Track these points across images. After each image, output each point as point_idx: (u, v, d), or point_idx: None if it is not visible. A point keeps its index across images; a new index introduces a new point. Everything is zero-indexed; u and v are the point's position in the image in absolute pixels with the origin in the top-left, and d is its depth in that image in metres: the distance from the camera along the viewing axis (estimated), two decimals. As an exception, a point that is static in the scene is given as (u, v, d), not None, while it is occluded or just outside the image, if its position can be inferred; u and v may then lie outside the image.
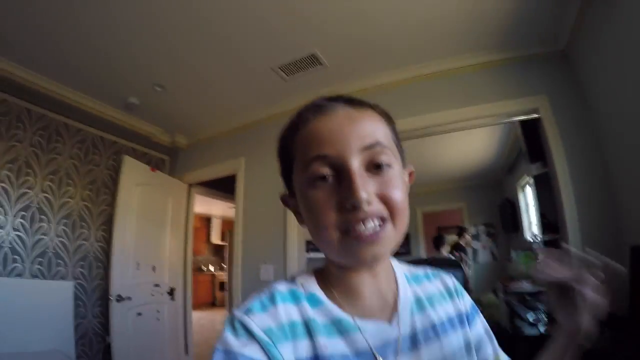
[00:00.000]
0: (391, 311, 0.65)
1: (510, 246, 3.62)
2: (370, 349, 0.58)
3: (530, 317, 2.74)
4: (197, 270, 9.31)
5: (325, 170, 0.57)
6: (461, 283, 1.67)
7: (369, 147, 0.57)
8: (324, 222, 0.56)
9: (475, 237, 3.94)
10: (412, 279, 0.75)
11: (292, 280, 0.67)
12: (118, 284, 3.23)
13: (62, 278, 3.08)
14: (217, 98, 3.45)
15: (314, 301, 0.63)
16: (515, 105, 2.75)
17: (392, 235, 0.58)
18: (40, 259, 2.96)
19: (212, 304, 9.85)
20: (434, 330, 0.65)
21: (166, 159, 4.32)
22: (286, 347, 0.55)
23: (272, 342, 0.54)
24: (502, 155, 3.52)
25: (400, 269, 0.75)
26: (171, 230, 3.95)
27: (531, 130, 2.80)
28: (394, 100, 3.07)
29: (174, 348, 3.82)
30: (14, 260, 2.79)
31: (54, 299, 2.99)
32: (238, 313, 0.57)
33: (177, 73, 3.05)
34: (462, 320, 0.71)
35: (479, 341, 0.72)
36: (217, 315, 8.31)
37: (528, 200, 3.34)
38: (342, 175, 0.56)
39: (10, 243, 2.79)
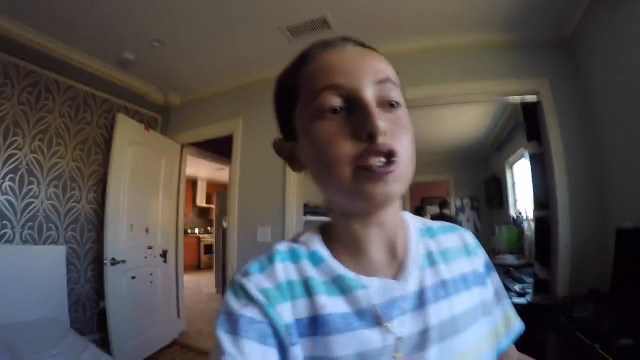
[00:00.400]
0: (399, 267, 0.62)
1: (493, 221, 3.78)
2: (373, 306, 0.57)
3: (517, 287, 2.92)
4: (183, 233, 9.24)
5: (337, 101, 0.54)
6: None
7: (382, 82, 0.56)
8: (336, 154, 0.53)
9: (460, 209, 4.09)
10: (425, 231, 0.72)
11: (295, 239, 0.66)
12: (112, 246, 3.14)
13: (54, 242, 2.99)
14: (217, 55, 3.30)
15: (315, 259, 0.61)
16: (515, 85, 2.83)
17: (404, 172, 0.55)
18: (31, 223, 2.84)
19: (197, 267, 9.74)
20: (444, 288, 0.63)
21: (158, 118, 4.16)
22: (285, 307, 0.54)
23: (270, 302, 0.53)
24: (493, 132, 3.63)
25: (414, 221, 0.72)
26: (163, 191, 3.86)
27: (530, 111, 2.90)
28: (398, 69, 3.08)
29: (167, 311, 3.81)
30: (3, 226, 2.67)
31: (46, 264, 2.89)
32: (237, 276, 0.57)
33: (177, 28, 2.89)
34: (478, 278, 0.69)
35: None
36: (203, 278, 8.16)
37: (515, 177, 3.50)
38: (356, 106, 0.53)
39: (-1, 208, 2.65)
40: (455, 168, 4.03)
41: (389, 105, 0.55)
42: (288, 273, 0.58)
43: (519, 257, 3.24)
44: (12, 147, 2.77)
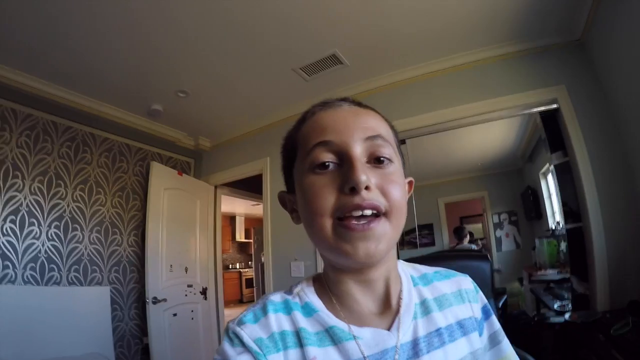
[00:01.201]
0: (392, 317, 0.62)
1: (533, 234, 3.63)
2: (364, 358, 0.56)
3: (556, 305, 2.78)
4: (224, 268, 9.38)
5: (327, 157, 0.57)
6: (489, 273, 1.70)
7: (372, 138, 0.58)
8: (319, 208, 0.55)
9: (498, 225, 3.96)
10: (419, 279, 0.72)
11: (290, 290, 0.67)
12: (153, 286, 3.34)
13: (98, 284, 3.19)
14: (240, 101, 3.49)
15: (309, 310, 0.61)
16: (533, 97, 2.77)
17: (388, 232, 0.56)
18: (76, 266, 3.06)
19: (240, 300, 9.92)
20: (439, 336, 0.62)
21: (191, 162, 4.40)
22: (277, 357, 0.55)
23: (263, 352, 0.54)
24: (522, 144, 3.53)
25: (407, 270, 0.72)
26: (200, 231, 4.05)
27: (551, 120, 2.82)
28: (413, 96, 3.14)
29: (209, 346, 3.91)
30: (51, 269, 2.90)
31: (92, 304, 3.09)
32: (232, 324, 0.58)
33: (199, 79, 3.09)
34: (474, 324, 0.68)
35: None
36: (245, 312, 8.38)
37: (550, 188, 3.37)
38: (344, 162, 0.56)
39: (46, 253, 2.89)
40: (488, 183, 3.90)
41: (378, 161, 0.58)
42: (281, 324, 0.59)
43: (561, 272, 3.09)
44: (56, 197, 3.03)
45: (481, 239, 3.84)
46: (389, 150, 0.59)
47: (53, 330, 2.75)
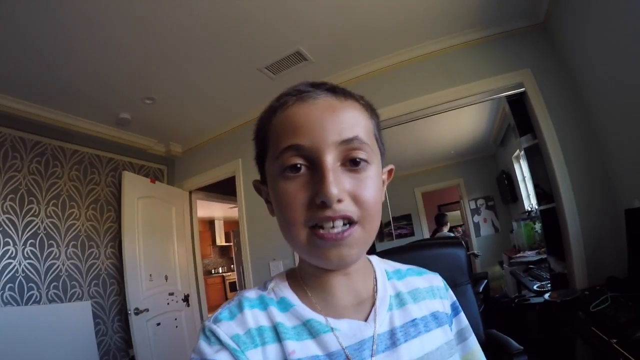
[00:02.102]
0: (368, 309, 0.63)
1: (511, 217, 3.67)
2: (343, 349, 0.57)
3: (535, 286, 2.82)
4: (207, 273, 9.38)
5: (299, 160, 0.55)
6: (464, 259, 1.73)
7: (347, 142, 0.55)
8: (292, 218, 0.55)
9: (475, 211, 4.00)
10: (393, 274, 0.73)
11: (264, 286, 0.67)
12: (134, 297, 3.30)
13: (79, 299, 3.14)
14: (207, 104, 3.47)
15: (284, 305, 0.61)
16: (500, 81, 2.80)
17: (361, 237, 0.56)
18: (55, 283, 3.01)
19: None
20: (415, 326, 0.64)
21: (164, 168, 4.36)
22: (255, 352, 0.54)
23: (240, 348, 0.53)
24: (493, 129, 3.57)
25: (381, 265, 0.74)
26: (178, 238, 4.02)
27: (518, 104, 2.85)
28: (382, 87, 3.14)
29: (195, 352, 3.89)
30: (30, 288, 2.84)
31: (74, 320, 3.05)
32: (208, 322, 0.57)
33: (164, 84, 3.06)
34: (445, 318, 0.70)
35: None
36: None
37: (524, 171, 3.40)
38: (315, 168, 0.54)
39: (24, 272, 2.83)
40: (463, 170, 3.93)
41: (354, 163, 0.56)
42: (258, 320, 0.58)
43: (539, 253, 3.13)
44: (29, 214, 2.97)
45: (460, 226, 3.87)
46: (365, 152, 0.57)
47: (37, 349, 2.71)
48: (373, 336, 0.59)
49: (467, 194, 3.94)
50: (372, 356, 0.57)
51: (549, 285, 2.75)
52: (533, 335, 2.64)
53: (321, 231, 0.54)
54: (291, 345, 0.56)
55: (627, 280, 2.05)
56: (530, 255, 3.17)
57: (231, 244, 9.66)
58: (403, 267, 0.77)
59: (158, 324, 3.47)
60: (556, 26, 2.60)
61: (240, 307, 0.60)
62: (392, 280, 0.71)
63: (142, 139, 3.99)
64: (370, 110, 0.65)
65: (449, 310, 0.73)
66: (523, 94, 2.75)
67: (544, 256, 3.00)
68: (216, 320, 0.57)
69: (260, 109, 0.66)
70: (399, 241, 3.64)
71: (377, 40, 2.89)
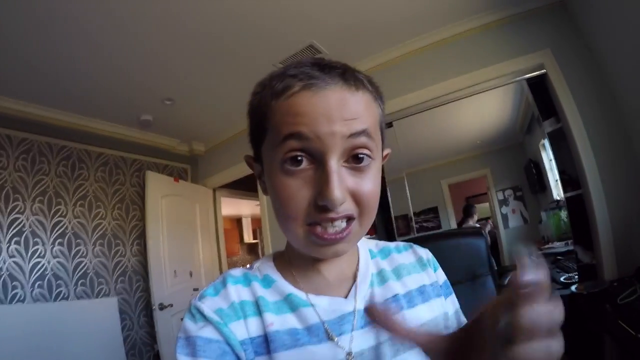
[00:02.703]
0: (349, 286, 0.64)
1: (539, 207, 3.50)
2: (322, 322, 0.58)
3: (562, 277, 2.68)
4: None
5: (300, 153, 0.52)
6: (484, 249, 1.65)
7: (354, 135, 0.52)
8: (292, 214, 0.54)
9: (503, 202, 3.85)
10: (378, 253, 0.75)
11: (250, 266, 0.69)
12: (158, 293, 3.40)
13: (106, 295, 3.26)
14: (226, 102, 3.49)
15: (267, 281, 0.63)
16: (520, 64, 2.67)
17: (357, 232, 0.57)
18: (83, 280, 3.14)
19: None
20: (396, 302, 0.64)
21: (187, 167, 4.45)
22: (239, 325, 0.56)
23: (223, 321, 0.55)
24: (518, 116, 3.41)
25: (365, 244, 0.74)
26: (202, 235, 4.09)
27: (539, 87, 2.71)
28: (399, 76, 3.07)
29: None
30: (58, 285, 2.98)
31: (101, 315, 3.17)
32: (194, 300, 0.59)
33: (183, 85, 3.13)
34: (438, 290, 0.71)
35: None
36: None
37: (551, 158, 3.25)
38: (318, 164, 0.52)
39: (52, 270, 2.97)
40: (490, 160, 3.77)
41: (357, 159, 0.54)
42: (240, 294, 0.60)
43: (569, 244, 2.98)
44: (58, 215, 3.11)
45: (488, 218, 3.73)
46: (370, 148, 0.55)
47: (65, 344, 2.84)
48: (353, 311, 0.60)
49: (495, 185, 3.79)
50: (352, 330, 0.58)
51: (577, 276, 2.61)
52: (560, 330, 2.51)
53: (319, 230, 0.54)
54: (269, 317, 0.57)
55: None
56: (558, 247, 3.01)
57: (258, 241, 9.72)
58: (391, 244, 0.78)
59: (182, 319, 3.51)
60: (576, 3, 2.45)
61: (224, 283, 0.61)
62: (375, 259, 0.72)
63: (165, 139, 4.10)
64: (380, 97, 0.61)
65: (441, 282, 0.73)
66: (544, 75, 2.61)
67: (572, 247, 2.85)
68: (201, 297, 0.59)
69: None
70: (422, 234, 3.54)
71: (391, 29, 2.83)
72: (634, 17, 1.92)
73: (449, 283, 0.76)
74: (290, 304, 0.59)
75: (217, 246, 4.28)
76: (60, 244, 3.08)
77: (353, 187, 0.54)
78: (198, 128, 4.01)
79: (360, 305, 0.62)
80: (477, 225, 3.61)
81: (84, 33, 2.36)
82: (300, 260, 0.65)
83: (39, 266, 2.91)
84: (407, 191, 3.37)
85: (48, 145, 3.18)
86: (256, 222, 10.17)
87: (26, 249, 2.88)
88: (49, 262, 2.96)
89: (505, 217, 3.62)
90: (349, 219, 0.55)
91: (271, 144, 0.55)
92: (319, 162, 0.52)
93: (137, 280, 3.54)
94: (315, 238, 0.54)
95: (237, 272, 0.65)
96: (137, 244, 3.62)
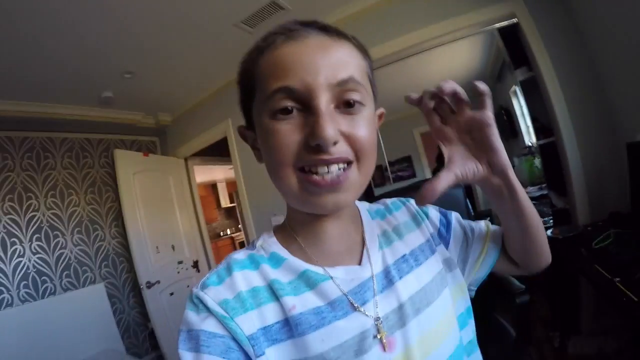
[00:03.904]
0: (360, 252, 0.64)
1: (512, 153, 3.58)
2: (344, 295, 0.57)
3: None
4: (216, 237, 9.44)
5: (290, 102, 0.52)
6: (462, 198, 1.72)
7: (341, 83, 0.52)
8: (283, 159, 0.53)
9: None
10: (375, 213, 0.74)
11: (252, 245, 0.66)
12: (143, 271, 3.37)
13: (92, 283, 3.25)
14: (188, 68, 3.32)
15: (276, 260, 0.61)
16: (491, 13, 2.64)
17: (357, 180, 0.55)
18: (67, 272, 3.11)
19: None
20: (406, 262, 0.64)
21: (155, 140, 4.32)
22: (246, 317, 0.53)
23: (229, 315, 0.52)
24: (488, 64, 3.41)
25: (364, 206, 0.74)
26: (179, 206, 4.03)
27: (511, 36, 2.70)
28: (368, 27, 2.99)
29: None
30: (44, 282, 2.95)
31: (91, 304, 3.18)
32: (195, 289, 0.56)
33: (141, 55, 2.94)
34: (433, 243, 0.70)
35: (463, 240, 0.75)
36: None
37: (522, 105, 3.29)
38: (309, 110, 0.52)
39: (34, 267, 2.92)
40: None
41: (348, 105, 0.54)
42: (250, 280, 0.57)
43: (541, 188, 3.09)
44: (30, 210, 3.02)
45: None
46: (360, 94, 0.55)
47: (60, 339, 2.86)
48: (372, 277, 0.60)
49: (467, 131, 3.83)
50: (373, 297, 0.58)
51: (551, 221, 2.72)
52: (537, 275, 2.66)
53: (315, 177, 0.52)
54: (290, 300, 0.55)
55: (630, 216, 2.00)
56: (532, 191, 3.11)
57: (235, 204, 9.68)
58: (381, 205, 0.78)
59: (171, 294, 3.58)
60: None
61: (229, 270, 0.58)
62: (376, 220, 0.72)
63: (129, 114, 3.89)
64: (363, 50, 0.61)
65: (438, 226, 0.74)
66: (516, 25, 2.58)
67: (546, 192, 2.96)
68: (204, 286, 0.56)
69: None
70: (398, 184, 3.61)
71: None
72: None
73: (443, 210, 0.79)
74: (307, 281, 0.58)
75: (195, 215, 4.23)
76: (38, 239, 3.01)
77: (347, 130, 0.53)
78: (162, 98, 3.82)
79: (377, 269, 0.61)
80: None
81: (29, 17, 2.18)
82: (305, 229, 0.63)
83: (20, 266, 2.86)
84: (381, 142, 3.39)
85: (9, 140, 3.03)
86: (231, 185, 10.11)
87: (4, 251, 2.82)
88: (29, 260, 2.91)
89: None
90: (346, 163, 0.53)
91: (261, 100, 0.55)
92: (309, 108, 0.52)
93: (121, 262, 3.52)
94: (312, 186, 0.53)
95: (240, 255, 0.62)
96: (115, 225, 3.57)
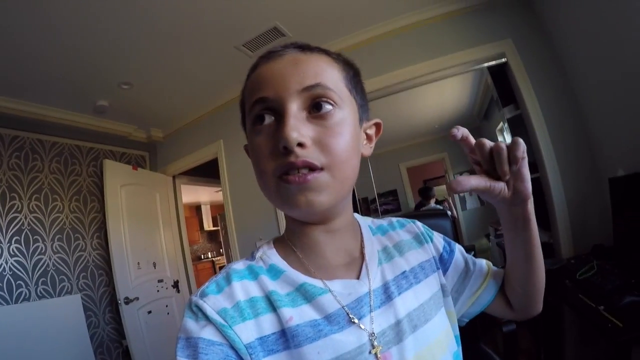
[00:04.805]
0: (359, 266, 0.65)
1: (495, 190, 3.70)
2: (341, 308, 0.57)
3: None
4: (197, 259, 9.33)
5: (266, 113, 0.56)
6: (450, 230, 1.74)
7: (309, 88, 0.55)
8: (262, 168, 0.57)
9: (461, 184, 4.03)
10: (377, 229, 0.76)
11: (251, 256, 0.67)
12: (122, 286, 3.29)
13: (68, 293, 3.12)
14: (186, 86, 3.39)
15: (275, 272, 0.61)
16: (481, 52, 2.77)
17: (329, 183, 0.55)
18: (43, 279, 2.98)
19: None
20: (406, 278, 0.66)
21: (145, 155, 4.29)
22: (244, 327, 0.53)
23: (227, 323, 0.52)
24: (476, 102, 3.55)
25: (365, 221, 0.76)
26: (164, 224, 3.99)
27: (500, 75, 2.83)
28: (362, 60, 2.93)
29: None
30: (18, 286, 2.82)
31: (65, 314, 3.03)
32: (194, 297, 0.56)
33: (141, 68, 2.98)
34: (434, 264, 0.73)
35: (463, 272, 0.77)
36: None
37: (508, 142, 3.40)
38: (279, 118, 0.55)
39: (11, 269, 2.80)
40: (448, 145, 3.92)
41: (316, 109, 0.56)
42: (248, 291, 0.58)
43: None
44: (12, 211, 2.92)
45: (445, 200, 3.88)
46: (330, 97, 0.57)
47: (30, 347, 2.70)
48: (369, 292, 0.61)
49: (452, 168, 3.94)
50: (370, 312, 0.59)
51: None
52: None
53: (287, 177, 0.54)
54: (287, 312, 0.55)
55: (612, 248, 2.08)
56: (517, 227, 3.21)
57: (219, 228, 9.63)
58: (384, 221, 0.80)
59: (149, 312, 3.48)
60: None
61: (228, 280, 0.59)
62: (377, 236, 0.74)
63: (122, 126, 3.90)
64: (343, 62, 0.65)
65: (440, 251, 0.76)
66: (505, 64, 2.73)
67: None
68: (203, 295, 0.56)
69: (240, 88, 0.66)
70: (384, 217, 3.67)
71: (355, 13, 2.84)
72: (593, 10, 2.05)
73: (447, 239, 0.81)
74: (305, 294, 0.58)
75: (179, 235, 4.17)
76: (17, 241, 2.90)
77: (316, 135, 0.55)
78: (156, 114, 3.84)
79: (375, 284, 0.62)
80: (439, 207, 3.75)
81: (37, 14, 2.20)
82: (301, 239, 0.65)
83: (-4, 267, 2.74)
84: (371, 174, 3.45)
85: (-2, 137, 2.96)
86: (215, 208, 10.10)
87: (-19, 250, 2.70)
88: (6, 262, 2.79)
89: (462, 199, 3.78)
90: (315, 169, 0.54)
91: (247, 115, 0.61)
92: (280, 115, 0.55)
93: (100, 275, 3.40)
94: (284, 184, 0.55)
95: (240, 265, 0.63)
96: (97, 237, 3.47)
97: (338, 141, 0.56)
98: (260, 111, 0.56)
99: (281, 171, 0.54)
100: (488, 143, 0.55)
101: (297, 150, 0.52)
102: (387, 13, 2.90)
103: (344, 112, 0.58)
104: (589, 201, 2.42)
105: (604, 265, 1.90)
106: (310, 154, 0.54)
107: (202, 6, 2.43)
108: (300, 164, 0.53)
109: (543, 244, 2.06)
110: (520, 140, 0.53)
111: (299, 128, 0.53)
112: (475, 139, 0.56)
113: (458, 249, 0.80)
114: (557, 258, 2.49)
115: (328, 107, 0.56)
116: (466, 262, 0.78)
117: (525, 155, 0.54)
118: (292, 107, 0.54)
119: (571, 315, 2.21)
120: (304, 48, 0.61)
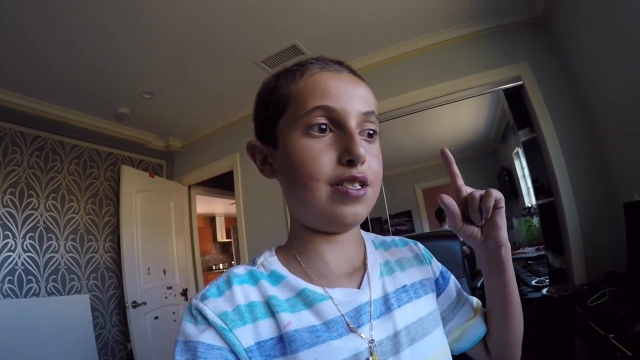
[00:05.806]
0: (360, 276, 0.65)
1: (511, 214, 3.63)
2: (341, 315, 0.57)
3: (533, 281, 2.78)
4: (208, 269, 9.34)
5: (325, 121, 0.57)
6: (459, 252, 1.71)
7: (367, 114, 0.59)
8: (316, 172, 0.56)
9: (476, 208, 3.97)
10: (379, 244, 0.77)
11: (253, 262, 0.66)
12: (131, 290, 3.33)
13: (77, 292, 3.16)
14: (205, 98, 3.47)
15: (275, 278, 0.61)
16: (497, 75, 2.78)
17: (371, 198, 0.60)
18: (54, 276, 3.03)
19: None
20: (406, 292, 0.66)
21: (163, 163, 4.37)
22: (244, 330, 0.53)
23: (228, 327, 0.52)
24: (493, 125, 3.53)
25: (368, 236, 0.77)
26: (176, 232, 4.03)
27: (516, 98, 2.83)
28: (379, 80, 3.10)
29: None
30: (29, 281, 2.87)
31: (72, 313, 3.07)
32: (195, 300, 0.55)
33: (163, 79, 3.07)
34: (433, 284, 0.75)
35: (454, 301, 0.77)
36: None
37: (524, 167, 3.39)
38: (341, 131, 0.57)
39: (23, 264, 2.86)
40: (464, 167, 3.83)
41: (368, 135, 0.61)
42: (248, 295, 0.57)
43: (538, 249, 3.11)
44: (29, 208, 2.99)
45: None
46: (377, 126, 0.62)
47: (35, 341, 2.73)
48: (370, 302, 0.61)
49: (468, 191, 3.89)
50: (370, 321, 0.59)
51: (548, 280, 2.72)
52: (531, 331, 2.61)
53: (345, 188, 0.56)
54: (286, 317, 0.55)
55: (625, 275, 2.01)
56: (529, 252, 3.13)
57: (231, 239, 9.68)
58: (387, 238, 0.81)
59: (156, 318, 3.49)
60: (554, 19, 2.57)
61: (228, 284, 0.58)
62: (379, 250, 0.74)
63: (141, 134, 4.00)
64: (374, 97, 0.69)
65: (437, 276, 0.78)
66: (520, 87, 2.73)
67: (543, 252, 2.98)
68: (203, 298, 0.55)
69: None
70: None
71: (373, 33, 2.88)
72: (610, 35, 2.03)
73: (445, 269, 0.82)
74: (305, 300, 0.58)
75: (191, 244, 4.21)
76: (32, 238, 2.96)
77: (367, 157, 0.58)
78: (175, 124, 3.94)
79: (376, 295, 0.63)
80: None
81: (64, 24, 2.30)
82: (306, 248, 0.65)
83: (9, 260, 2.79)
84: (384, 194, 3.43)
85: (21, 135, 3.06)
86: (229, 221, 10.11)
87: (-5, 242, 2.77)
88: (19, 257, 2.85)
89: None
90: (366, 184, 0.58)
91: (294, 117, 0.59)
92: (341, 129, 0.58)
93: (110, 277, 3.44)
94: (342, 195, 0.56)
95: (241, 269, 0.62)
96: (109, 240, 3.53)
97: (378, 163, 0.62)
98: (321, 117, 0.57)
99: (338, 181, 0.56)
100: (464, 190, 0.62)
101: (359, 165, 0.57)
102: (404, 35, 2.95)
103: (378, 141, 0.64)
104: (603, 226, 2.37)
105: (617, 292, 1.83)
106: (366, 170, 0.58)
107: (223, 23, 2.51)
108: (359, 177, 0.56)
109: (556, 270, 2.02)
110: (494, 192, 0.57)
111: (363, 146, 0.57)
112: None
113: (452, 279, 0.81)
114: (569, 284, 2.43)
115: (375, 135, 0.62)
116: (458, 294, 0.79)
117: (502, 204, 0.58)
118: (354, 125, 0.58)
119: (581, 343, 2.13)
120: (354, 72, 0.65)
